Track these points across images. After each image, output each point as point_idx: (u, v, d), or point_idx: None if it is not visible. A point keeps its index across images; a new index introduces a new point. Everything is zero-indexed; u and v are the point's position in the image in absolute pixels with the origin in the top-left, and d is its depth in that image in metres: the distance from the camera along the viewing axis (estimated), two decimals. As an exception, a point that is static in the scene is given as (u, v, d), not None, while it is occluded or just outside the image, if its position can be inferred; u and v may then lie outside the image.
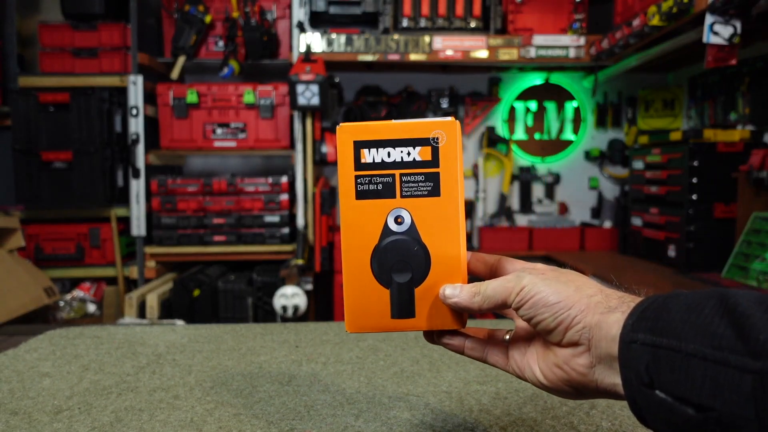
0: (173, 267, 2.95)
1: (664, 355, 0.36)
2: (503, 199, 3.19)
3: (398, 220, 0.51)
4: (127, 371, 0.80)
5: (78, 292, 2.71)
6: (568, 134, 3.25)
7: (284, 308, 2.57)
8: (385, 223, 0.51)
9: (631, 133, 3.14)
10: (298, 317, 2.59)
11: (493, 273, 0.52)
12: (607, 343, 0.41)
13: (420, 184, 0.51)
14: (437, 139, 0.51)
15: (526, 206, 3.23)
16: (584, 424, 0.62)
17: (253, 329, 1.01)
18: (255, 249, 2.77)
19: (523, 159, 3.25)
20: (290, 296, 2.58)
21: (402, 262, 0.51)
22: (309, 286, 2.75)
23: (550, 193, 3.25)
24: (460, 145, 0.51)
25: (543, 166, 3.26)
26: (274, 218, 2.77)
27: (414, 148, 0.51)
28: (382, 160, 0.51)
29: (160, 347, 0.91)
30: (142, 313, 2.53)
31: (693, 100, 2.91)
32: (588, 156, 3.23)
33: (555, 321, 0.43)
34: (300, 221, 2.78)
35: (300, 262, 2.69)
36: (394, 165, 0.51)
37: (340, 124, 0.51)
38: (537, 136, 3.24)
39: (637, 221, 2.68)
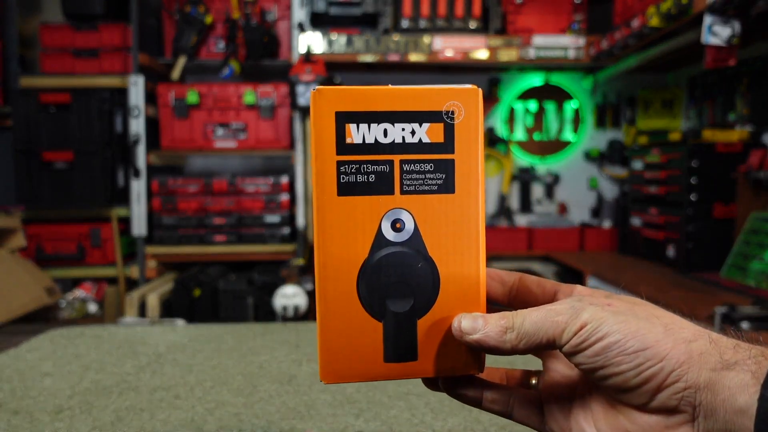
0: (174, 267, 2.95)
1: None
2: (503, 199, 3.19)
3: (397, 226, 0.37)
4: (127, 371, 0.80)
5: (79, 292, 2.71)
6: (568, 134, 3.25)
7: (284, 308, 2.58)
8: (379, 230, 0.36)
9: (631, 134, 3.14)
10: (299, 317, 2.60)
11: (514, 296, 0.39)
12: (728, 415, 0.29)
13: (427, 175, 0.37)
14: (452, 113, 0.36)
15: (526, 206, 3.24)
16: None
17: (253, 329, 1.01)
18: (255, 249, 2.77)
19: (522, 159, 3.25)
20: (290, 296, 2.59)
21: (401, 283, 0.37)
22: (309, 286, 2.75)
23: (549, 193, 3.25)
24: (482, 122, 0.37)
25: (542, 166, 3.26)
26: (274, 218, 2.78)
27: (420, 126, 0.36)
28: (376, 140, 0.36)
29: (160, 347, 0.91)
30: (142, 312, 2.53)
31: (692, 101, 2.91)
32: (587, 156, 3.24)
33: (640, 377, 0.30)
34: (300, 221, 2.78)
35: (300, 262, 2.69)
36: (393, 148, 0.36)
37: (317, 88, 0.36)
38: (536, 136, 3.24)
39: (636, 221, 2.68)
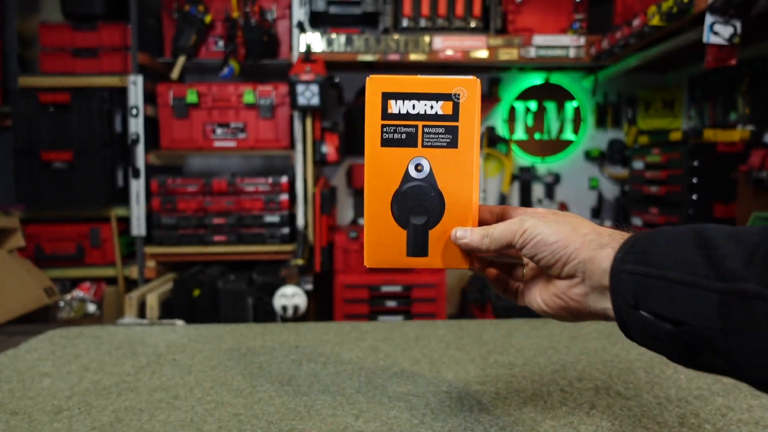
0: (173, 267, 2.95)
1: (649, 282, 0.42)
2: (503, 199, 3.19)
3: (418, 168, 0.55)
4: (127, 371, 0.80)
5: (78, 292, 2.71)
6: (568, 134, 3.25)
7: (284, 308, 2.57)
8: (407, 170, 0.55)
9: (631, 133, 3.14)
10: (298, 317, 2.59)
11: (499, 220, 0.57)
12: (599, 275, 0.47)
13: (440, 135, 0.55)
14: (458, 95, 0.54)
15: (526, 206, 3.23)
16: (584, 424, 0.62)
17: (253, 329, 1.01)
18: (255, 249, 2.77)
19: (523, 159, 3.25)
20: (290, 296, 2.58)
21: (419, 206, 0.55)
22: (309, 286, 2.75)
23: (550, 193, 3.25)
24: (479, 102, 0.55)
25: (543, 166, 3.26)
26: (274, 218, 2.77)
27: (437, 102, 0.54)
28: (407, 111, 0.54)
29: (160, 347, 0.91)
30: (142, 313, 2.53)
31: (693, 100, 2.91)
32: (588, 156, 3.23)
33: (554, 258, 0.49)
34: (300, 221, 2.78)
35: (300, 262, 2.69)
36: (418, 117, 0.54)
37: (371, 75, 0.55)
38: (537, 136, 3.24)
39: (637, 221, 2.68)
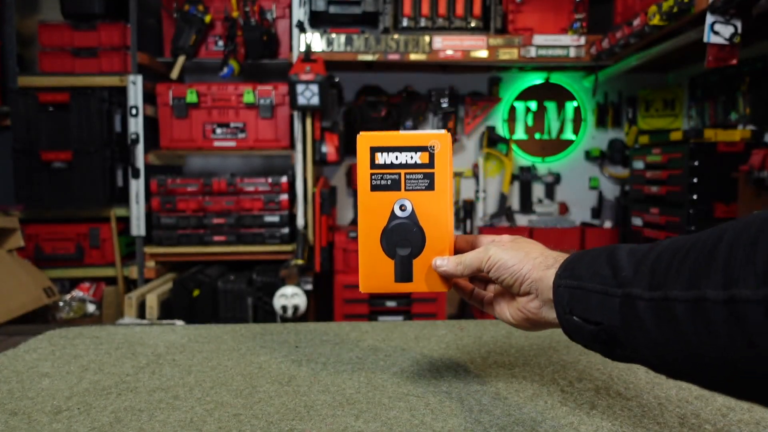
0: (173, 267, 2.95)
1: (576, 292, 0.52)
2: (503, 199, 3.19)
3: (402, 208, 0.65)
4: (126, 371, 0.79)
5: (77, 293, 2.71)
6: (569, 134, 3.24)
7: (284, 308, 2.57)
8: (392, 210, 0.65)
9: (632, 133, 3.14)
10: (298, 317, 2.59)
11: (472, 248, 0.66)
12: (546, 291, 0.56)
13: (419, 180, 0.65)
14: (434, 147, 0.65)
15: (527, 206, 3.23)
16: (584, 424, 0.62)
17: (253, 329, 1.01)
18: (255, 249, 2.76)
19: (523, 159, 3.25)
20: (290, 296, 2.58)
21: (404, 240, 0.65)
22: (309, 286, 2.75)
23: (550, 193, 3.25)
24: (451, 152, 0.66)
25: (543, 166, 3.26)
26: (274, 218, 2.77)
27: (416, 153, 0.65)
28: (392, 162, 0.65)
29: (159, 347, 0.90)
30: (141, 313, 2.52)
31: (693, 100, 2.90)
32: (588, 156, 3.23)
33: (513, 279, 0.59)
34: (300, 221, 2.78)
35: (300, 262, 2.69)
36: (401, 166, 0.65)
37: (360, 133, 0.65)
38: (537, 136, 3.24)
39: (637, 221, 2.68)
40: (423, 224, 0.65)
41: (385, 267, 0.66)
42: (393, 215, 0.65)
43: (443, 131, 0.65)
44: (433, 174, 0.65)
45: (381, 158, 0.65)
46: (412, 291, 0.65)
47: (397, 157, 0.65)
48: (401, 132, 0.65)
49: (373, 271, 0.66)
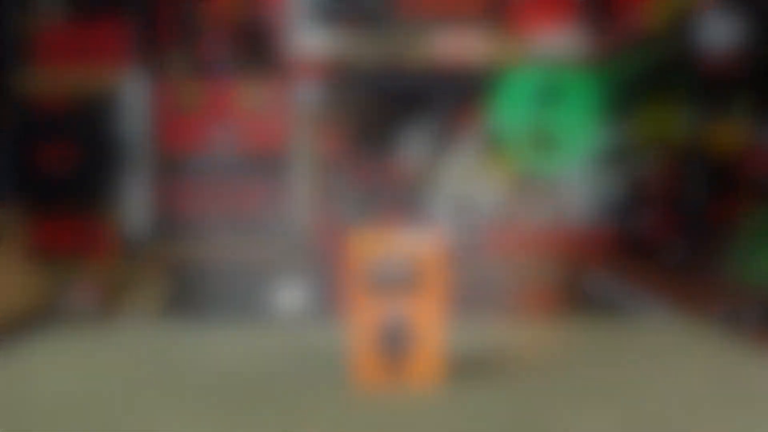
0: (173, 267, 2.94)
1: None
2: (503, 199, 3.18)
3: None
4: (126, 372, 0.79)
5: (77, 293, 2.70)
6: (569, 134, 3.24)
7: (284, 308, 2.57)
8: None
9: (632, 133, 3.13)
10: (298, 317, 2.59)
11: None
12: None
13: None
14: None
15: (527, 206, 3.22)
16: (586, 423, 0.62)
17: (252, 329, 1.01)
18: (254, 249, 2.76)
19: (523, 159, 3.24)
20: (290, 296, 2.58)
21: None
22: (308, 286, 2.74)
23: (550, 193, 3.24)
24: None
25: (543, 165, 3.25)
26: (273, 218, 2.77)
27: None
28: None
29: (159, 348, 0.91)
30: (141, 313, 2.52)
31: (694, 100, 2.90)
32: (589, 156, 3.23)
33: None
34: (300, 221, 2.77)
35: (299, 262, 2.68)
36: None
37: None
38: (537, 135, 3.23)
39: (637, 221, 2.68)
40: None
41: None
42: None
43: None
44: None
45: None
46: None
47: None
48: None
49: None
